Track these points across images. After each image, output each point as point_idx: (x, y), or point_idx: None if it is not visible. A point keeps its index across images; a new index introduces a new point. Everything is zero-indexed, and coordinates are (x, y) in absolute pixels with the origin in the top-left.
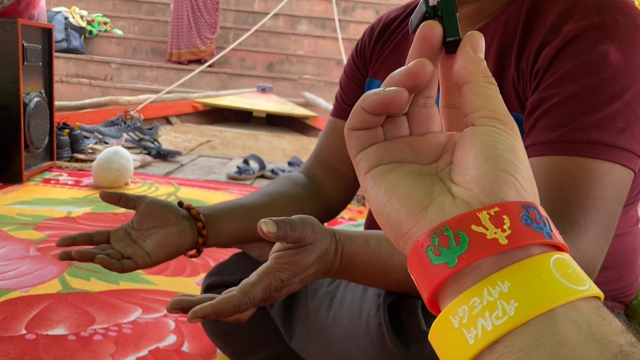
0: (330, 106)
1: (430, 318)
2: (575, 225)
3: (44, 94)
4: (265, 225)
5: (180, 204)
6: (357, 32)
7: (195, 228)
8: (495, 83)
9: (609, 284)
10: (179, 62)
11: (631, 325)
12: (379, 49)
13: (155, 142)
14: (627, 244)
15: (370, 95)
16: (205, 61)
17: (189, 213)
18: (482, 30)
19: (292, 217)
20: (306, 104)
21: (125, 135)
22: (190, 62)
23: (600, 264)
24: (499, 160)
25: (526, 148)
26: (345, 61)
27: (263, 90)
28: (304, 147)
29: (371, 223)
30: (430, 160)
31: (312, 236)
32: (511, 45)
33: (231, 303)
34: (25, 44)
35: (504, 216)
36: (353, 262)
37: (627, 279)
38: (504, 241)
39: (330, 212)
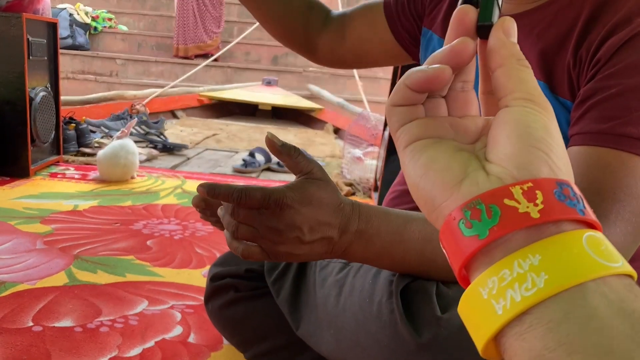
0: (335, 98)
1: (444, 304)
2: (604, 218)
3: (49, 89)
4: (272, 136)
5: None
6: None
7: None
8: (529, 66)
9: None
10: (186, 57)
11: None
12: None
13: (162, 136)
14: None
15: (414, 72)
16: (212, 55)
17: None
18: (544, 7)
19: (301, 150)
20: (311, 97)
21: (136, 119)
22: (197, 56)
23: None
24: (531, 138)
25: (571, 136)
26: None
27: (268, 83)
28: (310, 140)
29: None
30: (468, 141)
31: (320, 173)
32: (572, 28)
33: (227, 186)
34: (30, 39)
35: (537, 191)
36: (371, 223)
37: None
38: (536, 215)
39: (307, 36)
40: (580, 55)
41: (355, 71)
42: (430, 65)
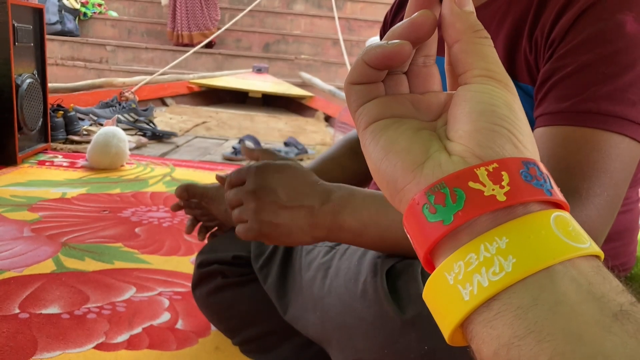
0: (326, 86)
1: None
2: (576, 196)
3: (36, 76)
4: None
5: None
6: (354, 11)
7: None
8: (488, 36)
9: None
10: (191, 45)
11: (631, 287)
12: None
13: (151, 124)
14: (623, 222)
15: (373, 48)
16: (213, 42)
17: None
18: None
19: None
20: (302, 84)
21: (117, 116)
22: (200, 44)
23: (603, 237)
24: (493, 115)
25: (536, 118)
26: (341, 41)
27: (259, 70)
28: (301, 128)
29: None
30: (430, 118)
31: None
32: (527, 13)
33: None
34: (15, 25)
35: (503, 172)
36: (355, 194)
37: (622, 257)
38: (502, 198)
39: (370, 178)
40: (536, 38)
41: (346, 59)
42: (390, 39)
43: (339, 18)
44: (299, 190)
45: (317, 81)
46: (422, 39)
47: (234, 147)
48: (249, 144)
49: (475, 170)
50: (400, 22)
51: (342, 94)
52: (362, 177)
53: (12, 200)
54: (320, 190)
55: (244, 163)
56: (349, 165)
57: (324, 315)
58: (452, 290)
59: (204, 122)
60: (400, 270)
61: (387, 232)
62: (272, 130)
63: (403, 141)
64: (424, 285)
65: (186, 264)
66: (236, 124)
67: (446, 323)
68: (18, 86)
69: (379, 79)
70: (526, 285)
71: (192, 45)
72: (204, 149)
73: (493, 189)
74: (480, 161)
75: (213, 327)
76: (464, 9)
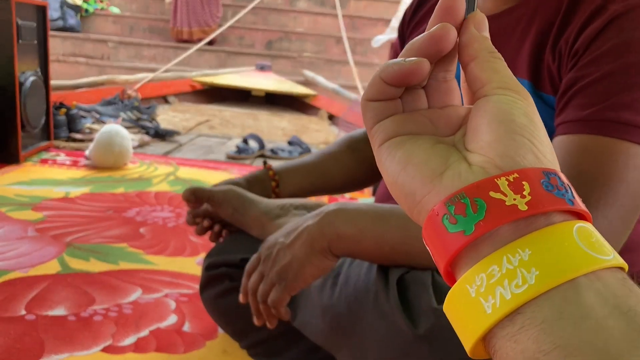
0: (329, 84)
1: (441, 295)
2: (585, 205)
3: (39, 73)
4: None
5: (264, 163)
6: (357, 8)
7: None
8: (502, 57)
9: None
10: (189, 41)
11: None
12: (416, 21)
13: (153, 122)
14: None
15: (390, 65)
16: (212, 40)
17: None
18: (525, 4)
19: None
20: (306, 82)
21: (123, 115)
22: (199, 40)
23: (617, 249)
24: (513, 124)
25: (556, 127)
26: (345, 39)
27: (262, 68)
28: (304, 126)
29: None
30: (449, 132)
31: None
32: (552, 22)
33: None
34: (19, 22)
35: (524, 182)
36: (348, 204)
37: (637, 266)
38: (523, 207)
39: (368, 177)
40: (560, 48)
41: (350, 57)
42: (409, 53)
43: (343, 16)
44: (292, 224)
45: (320, 79)
46: (442, 52)
47: (237, 146)
48: (188, 194)
49: (495, 180)
50: (420, 35)
51: (346, 93)
52: (359, 174)
53: (16, 199)
54: (295, 213)
55: (248, 162)
56: (347, 162)
57: (333, 322)
58: (473, 303)
59: (207, 121)
60: (411, 281)
61: (383, 239)
62: (276, 128)
63: (421, 153)
64: (434, 297)
65: (192, 265)
66: (239, 122)
67: (468, 336)
68: (21, 84)
69: (396, 95)
70: (550, 299)
71: (192, 42)
72: (207, 148)
73: (514, 199)
74: (501, 171)
75: (220, 330)
76: (482, 33)
